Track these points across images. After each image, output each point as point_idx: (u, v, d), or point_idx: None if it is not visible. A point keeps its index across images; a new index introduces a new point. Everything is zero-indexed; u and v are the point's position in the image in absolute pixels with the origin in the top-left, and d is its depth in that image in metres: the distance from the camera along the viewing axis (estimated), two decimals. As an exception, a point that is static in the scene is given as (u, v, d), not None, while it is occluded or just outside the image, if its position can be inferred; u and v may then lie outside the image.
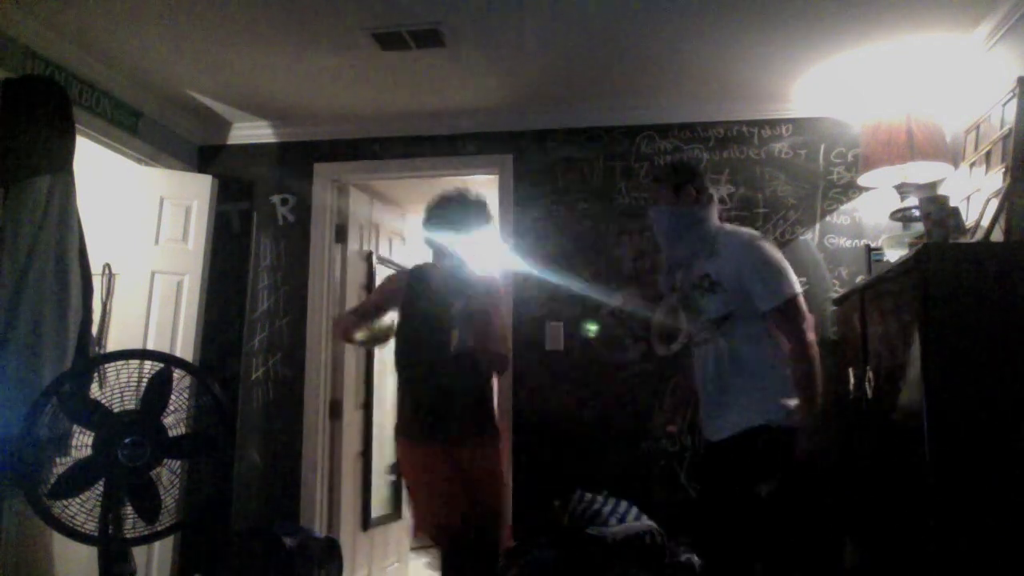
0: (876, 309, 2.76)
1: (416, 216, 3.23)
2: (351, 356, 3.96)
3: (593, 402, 3.62)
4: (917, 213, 3.13)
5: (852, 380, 2.97)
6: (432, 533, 2.65)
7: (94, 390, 2.37)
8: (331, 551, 3.45)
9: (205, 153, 4.07)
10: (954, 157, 3.17)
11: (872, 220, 3.56)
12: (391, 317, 2.74)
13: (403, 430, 2.70)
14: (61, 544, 2.62)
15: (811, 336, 2.27)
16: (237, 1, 2.80)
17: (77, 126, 2.88)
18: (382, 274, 4.17)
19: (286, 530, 3.41)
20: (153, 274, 3.59)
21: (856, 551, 2.96)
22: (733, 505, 2.27)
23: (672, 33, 3.04)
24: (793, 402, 2.25)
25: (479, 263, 2.80)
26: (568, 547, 3.05)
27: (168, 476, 2.41)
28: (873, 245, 3.41)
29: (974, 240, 2.70)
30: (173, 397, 2.35)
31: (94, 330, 2.98)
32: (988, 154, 2.88)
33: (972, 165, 3.03)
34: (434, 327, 2.61)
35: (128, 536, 2.32)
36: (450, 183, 3.58)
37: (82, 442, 2.28)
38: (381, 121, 3.92)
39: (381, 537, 4.14)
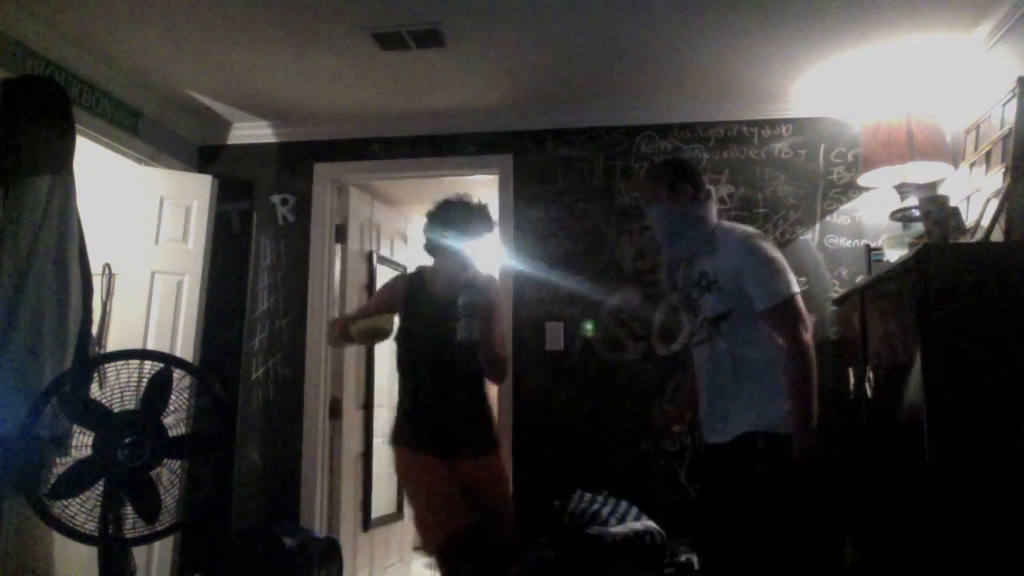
0: (876, 309, 2.76)
1: (417, 215, 3.23)
2: (351, 356, 3.96)
3: (593, 402, 3.62)
4: (917, 213, 3.13)
5: (852, 380, 2.97)
6: (442, 543, 2.52)
7: (94, 390, 2.37)
8: (331, 551, 3.45)
9: (205, 153, 4.07)
10: (954, 157, 3.17)
11: (872, 220, 3.56)
12: (391, 315, 2.72)
13: (405, 439, 2.64)
14: (61, 544, 2.61)
15: (807, 338, 2.22)
16: (237, 1, 2.80)
17: (77, 126, 2.88)
18: (383, 274, 4.17)
19: (286, 530, 3.41)
20: (153, 274, 3.59)
21: (856, 551, 2.96)
22: (731, 509, 2.26)
23: (672, 33, 3.04)
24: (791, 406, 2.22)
25: (481, 266, 2.80)
26: (568, 547, 3.05)
27: (168, 476, 2.41)
28: (873, 245, 3.41)
29: (974, 240, 2.70)
30: (173, 397, 2.35)
31: (94, 330, 2.98)
32: (988, 154, 2.88)
33: (972, 165, 3.03)
34: (437, 325, 2.60)
35: (128, 536, 2.32)
36: (450, 183, 3.59)
37: (82, 442, 2.28)
38: (381, 121, 3.92)
39: (382, 537, 4.14)
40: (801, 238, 3.61)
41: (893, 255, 3.08)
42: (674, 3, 2.81)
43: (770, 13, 2.87)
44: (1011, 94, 2.71)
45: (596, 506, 3.28)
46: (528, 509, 3.50)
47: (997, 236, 2.62)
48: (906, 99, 3.20)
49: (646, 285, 3.67)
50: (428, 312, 2.65)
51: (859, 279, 3.37)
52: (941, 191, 3.30)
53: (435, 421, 2.60)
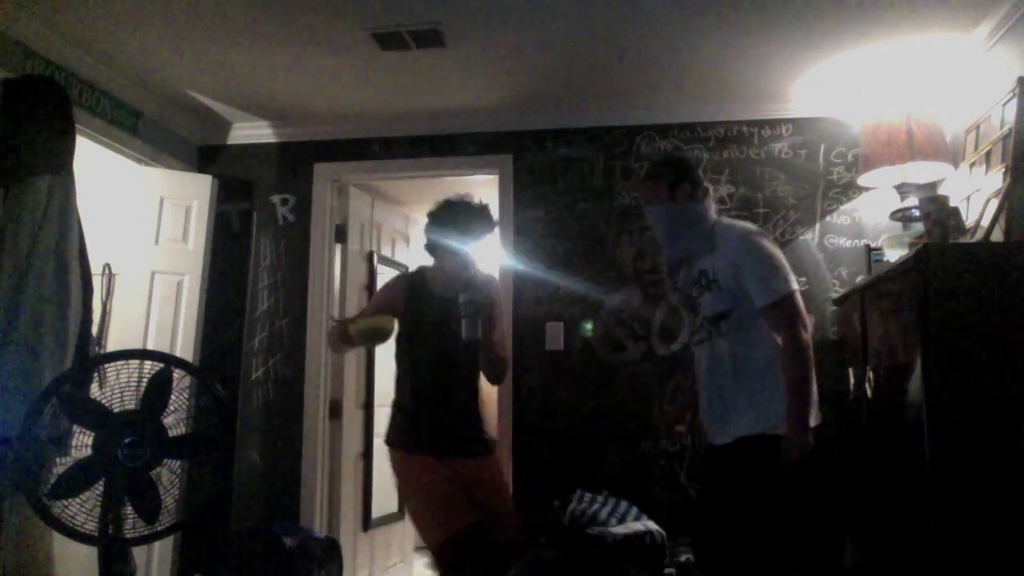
0: (876, 309, 2.76)
1: (418, 215, 3.23)
2: (351, 356, 3.96)
3: (593, 402, 3.62)
4: (917, 213, 3.13)
5: (852, 380, 2.97)
6: (442, 543, 2.50)
7: (94, 390, 2.37)
8: (331, 551, 3.44)
9: (205, 153, 4.07)
10: (954, 157, 3.17)
11: (872, 220, 3.56)
12: (391, 316, 2.71)
13: (402, 440, 2.63)
14: (61, 544, 2.61)
15: (806, 336, 2.20)
16: (237, 1, 2.80)
17: (77, 126, 2.88)
18: (383, 274, 4.17)
19: (286, 530, 3.41)
20: (153, 274, 3.59)
21: (856, 551, 2.96)
22: (731, 511, 2.25)
23: (672, 33, 3.04)
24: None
25: (481, 266, 2.79)
26: (568, 547, 3.05)
27: (168, 476, 2.41)
28: (873, 245, 3.41)
29: (974, 240, 2.70)
30: (173, 397, 2.34)
31: (94, 330, 2.98)
32: (988, 154, 2.88)
33: (972, 165, 3.03)
34: (438, 325, 2.60)
35: (128, 536, 2.32)
36: (451, 183, 3.59)
37: (82, 442, 2.28)
38: (381, 121, 3.92)
39: (383, 537, 4.14)
40: (801, 238, 3.62)
41: (893, 255, 3.08)
42: (674, 3, 2.81)
43: (770, 13, 2.87)
44: (1011, 94, 2.71)
45: (596, 506, 3.28)
46: (528, 509, 3.51)
47: (997, 236, 2.62)
48: (906, 99, 3.20)
49: (646, 285, 3.67)
50: (429, 312, 2.64)
51: (859, 279, 3.37)
52: (941, 191, 3.30)
53: (435, 421, 2.60)
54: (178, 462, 2.43)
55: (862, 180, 3.38)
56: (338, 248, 4.00)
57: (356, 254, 4.10)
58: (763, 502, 2.20)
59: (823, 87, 3.49)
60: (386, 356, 4.04)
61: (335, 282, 3.96)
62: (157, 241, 3.63)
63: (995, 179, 2.76)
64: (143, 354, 2.52)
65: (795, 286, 2.26)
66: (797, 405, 2.16)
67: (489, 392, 3.85)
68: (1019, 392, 2.18)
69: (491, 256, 3.92)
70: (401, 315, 2.67)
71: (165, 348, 3.44)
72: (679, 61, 3.28)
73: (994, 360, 2.21)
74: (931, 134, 3.10)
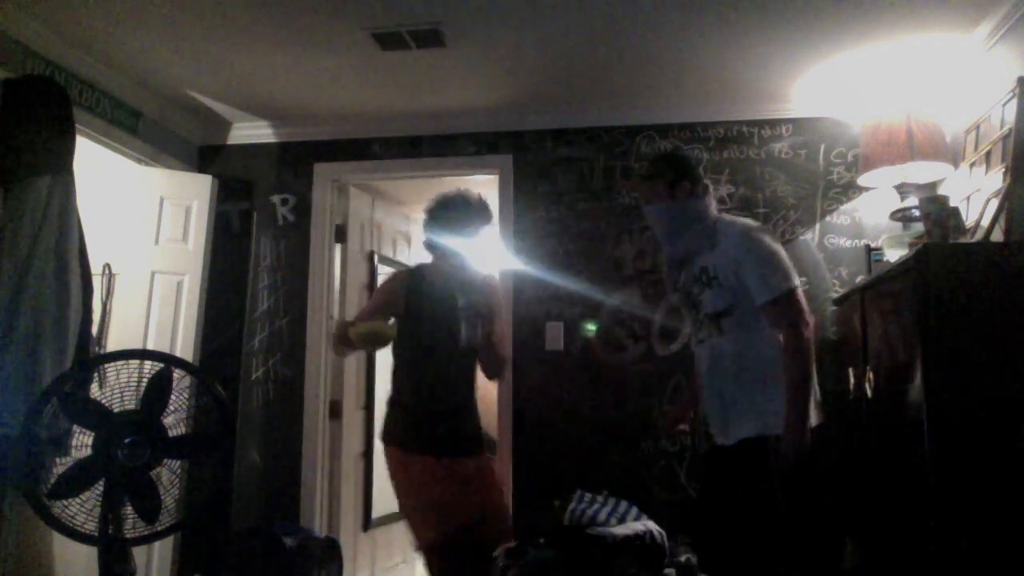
0: (876, 309, 2.76)
1: (418, 215, 3.23)
2: (351, 356, 3.96)
3: (593, 402, 3.62)
4: (917, 213, 3.13)
5: (852, 380, 2.97)
6: (437, 542, 2.53)
7: (94, 390, 2.37)
8: (331, 551, 3.44)
9: (205, 153, 4.07)
10: (954, 157, 3.17)
11: (872, 220, 3.56)
12: (391, 319, 2.71)
13: (399, 439, 2.63)
14: (61, 544, 2.62)
15: (808, 334, 2.18)
16: (237, 1, 2.80)
17: (77, 126, 2.88)
18: (384, 274, 4.17)
19: (286, 530, 3.40)
20: (153, 274, 3.59)
21: (856, 551, 2.96)
22: (732, 511, 2.24)
23: (672, 33, 3.04)
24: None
25: (480, 264, 2.79)
26: (568, 547, 3.05)
27: (168, 476, 2.41)
28: (873, 245, 3.41)
29: (974, 240, 2.70)
30: (173, 397, 2.34)
31: (94, 330, 2.98)
32: (988, 154, 2.88)
33: (972, 165, 3.03)
34: (438, 323, 2.60)
35: (128, 536, 2.32)
36: (451, 183, 3.58)
37: (82, 442, 2.28)
38: (381, 121, 3.92)
39: (383, 537, 4.13)
40: (801, 238, 3.61)
41: (893, 255, 3.08)
42: (674, 3, 2.81)
43: (770, 13, 2.87)
44: (1011, 94, 2.71)
45: (596, 506, 3.28)
46: (528, 509, 3.51)
47: (997, 236, 2.62)
48: (906, 99, 3.20)
49: (646, 285, 3.67)
50: (428, 310, 2.64)
51: (859, 279, 3.36)
52: (941, 191, 3.30)
53: (434, 419, 2.60)
54: (178, 462, 2.43)
55: (862, 180, 3.38)
56: (338, 248, 4.00)
57: (356, 254, 4.10)
58: (764, 503, 2.19)
59: (823, 87, 3.49)
60: (386, 356, 4.05)
61: (335, 282, 3.96)
62: (157, 241, 3.63)
63: (995, 179, 2.76)
64: (143, 354, 2.52)
65: (796, 283, 2.24)
66: (797, 403, 2.14)
67: (489, 391, 3.86)
68: (1019, 392, 2.18)
69: (491, 256, 3.93)
70: (400, 313, 2.67)
71: (165, 348, 3.44)
72: (679, 61, 3.28)
73: (994, 360, 2.21)
74: (931, 134, 3.10)
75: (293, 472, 3.75)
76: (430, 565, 2.58)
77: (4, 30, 2.85)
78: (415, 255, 4.39)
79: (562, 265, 3.74)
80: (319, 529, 3.66)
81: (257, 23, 2.96)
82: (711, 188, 2.46)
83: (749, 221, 2.44)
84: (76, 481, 2.25)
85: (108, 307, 3.35)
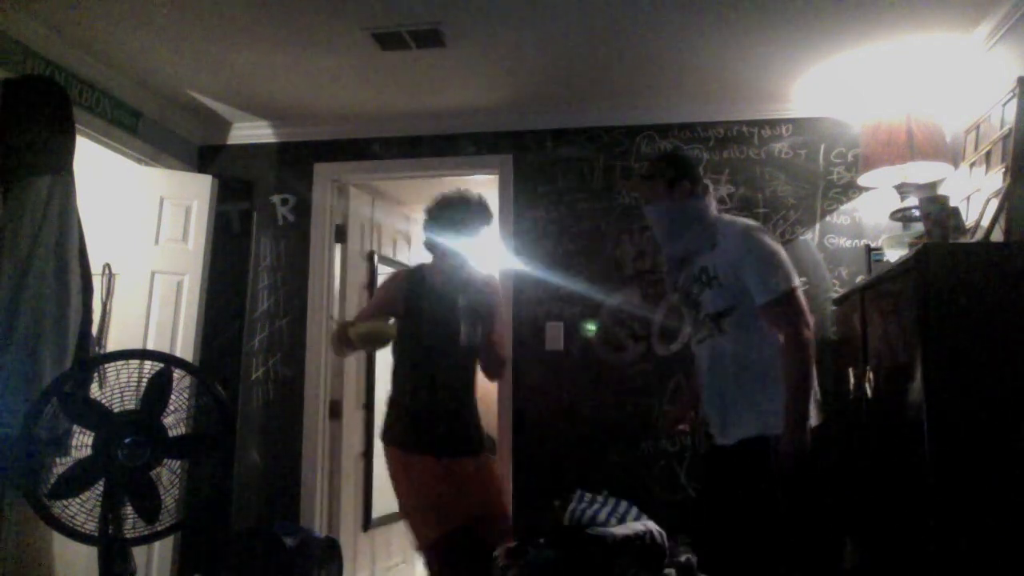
0: (876, 309, 2.76)
1: (418, 215, 3.23)
2: (351, 356, 3.96)
3: (593, 402, 3.62)
4: (917, 213, 3.13)
5: (852, 380, 2.97)
6: (436, 542, 2.52)
7: (94, 390, 2.37)
8: (331, 551, 3.45)
9: (205, 153, 4.07)
10: (954, 157, 3.17)
11: (872, 220, 3.56)
12: (391, 319, 2.71)
13: (399, 439, 2.63)
14: (61, 544, 2.62)
15: (808, 334, 2.16)
16: (237, 1, 2.80)
17: (77, 126, 2.88)
18: (384, 274, 4.17)
19: (286, 530, 3.41)
20: (153, 274, 3.59)
21: (856, 551, 2.96)
22: (733, 511, 2.24)
23: (672, 33, 3.04)
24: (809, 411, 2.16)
25: (480, 264, 2.79)
26: (568, 547, 3.05)
27: (168, 476, 2.41)
28: (873, 245, 3.41)
29: (974, 240, 2.70)
30: (173, 397, 2.34)
31: (94, 330, 2.98)
32: (988, 154, 2.88)
33: (972, 165, 3.03)
34: (440, 325, 2.59)
35: (128, 536, 2.32)
36: (451, 183, 3.58)
37: (82, 442, 2.28)
38: (381, 121, 3.92)
39: (383, 537, 4.13)
40: (801, 238, 3.62)
41: (893, 255, 3.08)
42: (674, 3, 2.81)
43: (770, 13, 2.87)
44: (1011, 94, 2.71)
45: (596, 506, 3.28)
46: (528, 509, 3.51)
47: (997, 236, 2.62)
48: (906, 99, 3.20)
49: (646, 285, 3.67)
50: (428, 309, 2.64)
51: (859, 279, 3.36)
52: (941, 191, 3.30)
53: (434, 419, 2.60)
54: (178, 462, 2.43)
55: (862, 180, 3.38)
56: (338, 248, 4.00)
57: (356, 254, 4.10)
58: (764, 503, 2.19)
59: (823, 87, 3.49)
60: (386, 356, 4.05)
61: (335, 282, 3.96)
62: (157, 241, 3.63)
63: (995, 179, 2.76)
64: (143, 354, 2.52)
65: (797, 282, 2.23)
66: (796, 403, 2.13)
67: (489, 391, 3.86)
68: (1019, 392, 2.18)
69: (491, 256, 3.92)
70: (400, 313, 2.67)
71: (165, 348, 3.44)
72: (679, 61, 3.28)
73: (994, 360, 2.21)
74: (931, 134, 3.10)
75: (293, 472, 3.75)
76: (430, 565, 2.58)
77: (4, 30, 2.85)
78: (415, 255, 4.40)
79: (562, 265, 3.74)
80: (319, 529, 3.66)
81: (257, 23, 2.96)
82: (711, 188, 2.45)
83: (749, 221, 2.44)
84: (76, 481, 2.25)
85: (108, 307, 3.36)
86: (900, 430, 2.45)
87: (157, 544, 3.31)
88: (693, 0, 2.79)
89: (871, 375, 2.75)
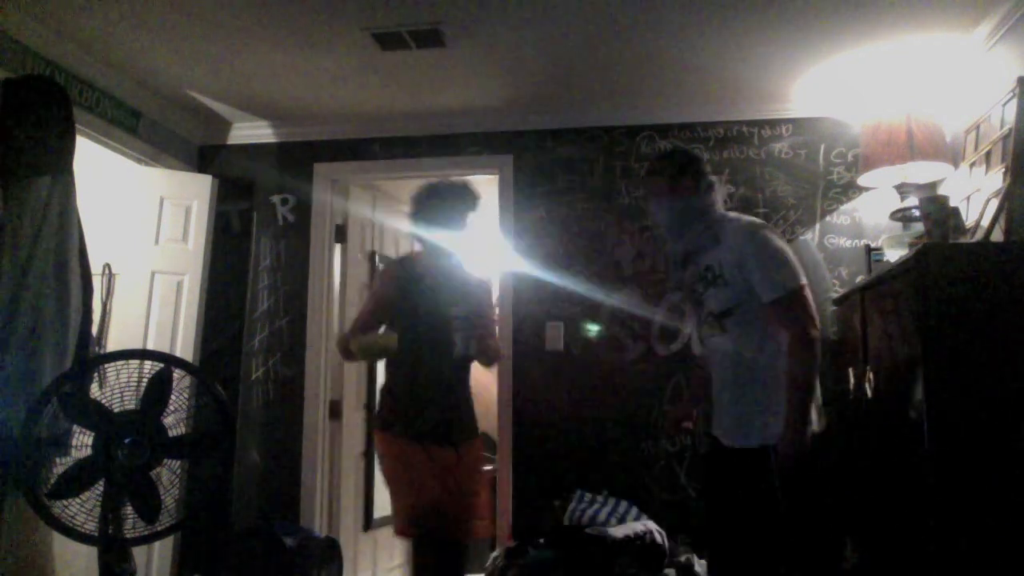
0: (876, 309, 2.76)
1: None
2: (351, 356, 3.96)
3: (593, 402, 3.62)
4: (917, 213, 3.13)
5: (852, 380, 2.97)
6: (410, 525, 2.57)
7: (94, 390, 2.37)
8: (331, 551, 3.45)
9: (205, 153, 4.07)
10: (954, 157, 3.17)
11: (872, 220, 3.56)
12: (392, 334, 2.70)
13: (390, 425, 2.65)
14: (61, 544, 2.61)
15: (814, 333, 2.13)
16: (237, 1, 2.80)
17: (77, 126, 2.87)
18: (383, 274, 4.17)
19: (286, 530, 3.41)
20: (153, 274, 3.59)
21: (856, 551, 2.96)
22: (742, 513, 2.23)
23: (672, 33, 3.04)
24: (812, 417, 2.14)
25: (473, 259, 2.79)
26: (568, 547, 3.05)
27: (168, 476, 2.41)
28: (873, 245, 3.41)
29: (974, 240, 2.70)
30: (173, 397, 2.35)
31: (94, 330, 2.98)
32: (988, 154, 2.88)
33: (972, 165, 3.03)
34: (433, 330, 2.60)
35: (128, 536, 2.32)
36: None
37: (82, 442, 2.28)
38: (381, 121, 3.92)
39: (384, 538, 4.13)
40: (801, 238, 3.62)
41: (893, 255, 3.08)
42: (674, 3, 2.81)
43: (770, 13, 2.87)
44: (1011, 94, 2.71)
45: (596, 506, 3.28)
46: (528, 509, 3.51)
47: (997, 236, 2.62)
48: (906, 99, 3.20)
49: (646, 285, 3.67)
50: (419, 301, 2.64)
51: (859, 279, 3.36)
52: (941, 191, 3.30)
53: (421, 408, 2.61)
54: (178, 462, 2.43)
55: (862, 180, 3.38)
56: (338, 248, 4.00)
57: (356, 254, 4.10)
58: (765, 505, 2.18)
59: (823, 87, 3.49)
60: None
61: (335, 282, 3.96)
62: (157, 241, 3.63)
63: (995, 179, 2.76)
64: (143, 354, 2.52)
65: (803, 280, 2.21)
66: (799, 403, 2.11)
67: (488, 391, 3.86)
68: (1019, 392, 2.18)
69: (482, 247, 3.92)
70: (394, 306, 2.68)
71: (165, 348, 3.44)
72: (679, 61, 3.28)
73: (994, 360, 2.21)
74: (931, 134, 3.10)
75: (293, 472, 3.75)
76: (410, 546, 2.62)
77: (4, 30, 2.85)
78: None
79: (562, 265, 3.74)
80: (319, 529, 3.66)
81: (257, 23, 2.96)
82: (716, 185, 2.42)
83: (755, 219, 2.43)
84: (76, 481, 2.25)
85: (108, 307, 3.36)
86: (900, 430, 2.45)
87: (157, 544, 3.31)
88: (693, 0, 2.79)
89: (871, 375, 2.75)
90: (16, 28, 2.88)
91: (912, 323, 2.35)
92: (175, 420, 2.36)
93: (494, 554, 3.26)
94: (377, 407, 2.74)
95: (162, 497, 2.32)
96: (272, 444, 3.80)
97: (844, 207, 3.61)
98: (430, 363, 2.61)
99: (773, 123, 3.71)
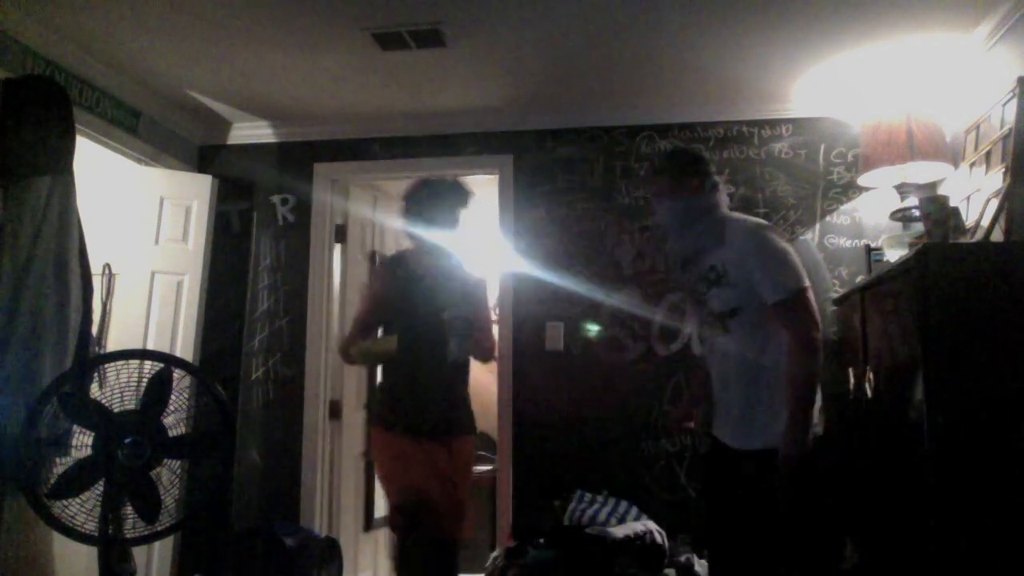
0: (876, 309, 2.76)
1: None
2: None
3: (593, 402, 3.62)
4: (917, 213, 3.13)
5: (852, 380, 2.97)
6: (397, 513, 2.59)
7: (94, 390, 2.37)
8: (331, 551, 3.45)
9: (205, 153, 4.07)
10: (954, 157, 3.17)
11: (872, 220, 3.56)
12: (391, 338, 2.70)
13: (385, 419, 2.66)
14: (61, 544, 2.61)
15: (816, 336, 2.14)
16: (238, 1, 2.80)
17: (77, 126, 2.87)
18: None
19: (286, 530, 3.41)
20: (153, 274, 3.59)
21: (856, 551, 2.96)
22: (746, 515, 2.23)
23: (672, 33, 3.04)
24: (815, 422, 2.14)
25: (464, 251, 2.79)
26: (568, 547, 3.05)
27: (168, 476, 2.41)
28: (873, 245, 3.41)
29: (974, 240, 2.70)
30: (173, 397, 2.35)
31: (94, 330, 2.98)
32: (988, 154, 2.88)
33: (972, 165, 3.03)
34: (428, 329, 2.60)
35: (128, 536, 2.32)
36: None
37: (82, 442, 2.28)
38: (381, 121, 3.92)
39: (385, 538, 4.13)
40: (801, 238, 3.61)
41: (893, 255, 3.08)
42: (674, 3, 2.81)
43: (770, 13, 2.87)
44: (1011, 94, 2.71)
45: (596, 506, 3.28)
46: (528, 509, 3.51)
47: (997, 236, 2.62)
48: (906, 99, 3.20)
49: (646, 285, 3.67)
50: (416, 301, 2.65)
51: (859, 279, 3.36)
52: (941, 191, 3.30)
53: (418, 404, 2.61)
54: (178, 462, 2.43)
55: (862, 180, 3.38)
56: (338, 248, 4.00)
57: (356, 254, 4.10)
58: (765, 507, 2.18)
59: (823, 87, 3.49)
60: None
61: (335, 282, 3.96)
62: (157, 241, 3.63)
63: (995, 179, 2.76)
64: (143, 354, 2.52)
65: (807, 282, 2.21)
66: (800, 404, 2.12)
67: (488, 391, 3.86)
68: (1019, 392, 2.18)
69: (491, 256, 3.93)
70: (390, 305, 2.68)
71: (165, 348, 3.44)
72: (679, 61, 3.28)
73: (994, 360, 2.21)
74: (931, 134, 3.10)
75: (293, 472, 3.75)
76: (396, 534, 2.64)
77: (4, 30, 2.85)
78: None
79: (562, 265, 3.74)
80: (319, 529, 3.66)
81: (257, 23, 2.96)
82: (721, 185, 2.42)
83: (757, 219, 2.42)
84: (76, 481, 2.25)
85: (108, 307, 3.36)
86: (900, 430, 2.45)
87: (157, 544, 3.31)
88: (693, 0, 2.79)
89: (871, 375, 2.75)
90: (16, 28, 2.88)
91: (912, 323, 2.35)
92: (175, 420, 2.36)
93: (494, 554, 3.26)
94: (373, 404, 2.75)
95: (162, 497, 2.32)
96: (272, 444, 3.80)
97: (844, 207, 3.61)
98: (428, 362, 2.61)
99: (773, 123, 3.71)
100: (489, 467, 4.14)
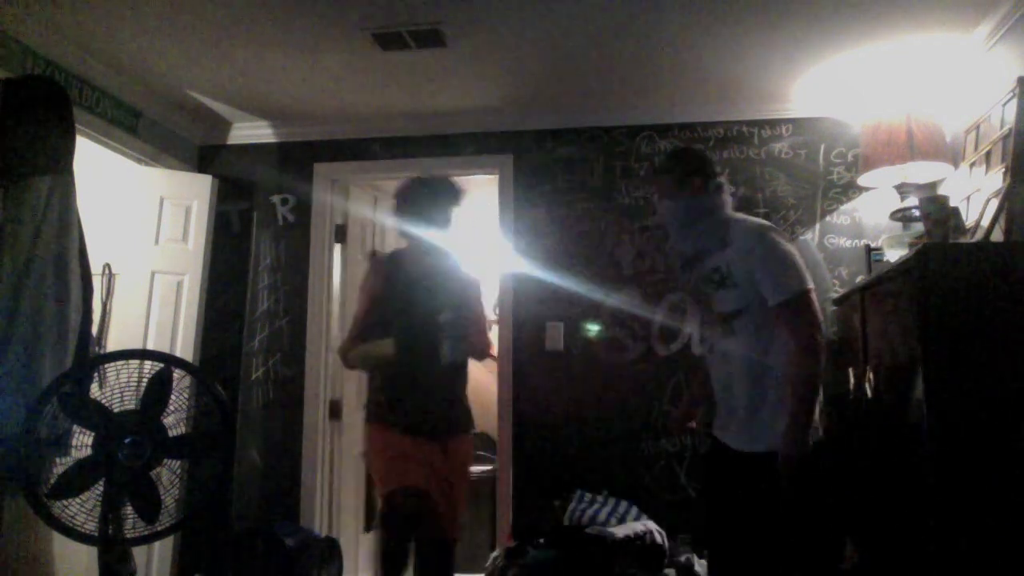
0: (876, 309, 2.76)
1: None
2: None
3: (593, 402, 3.62)
4: (917, 213, 3.13)
5: (852, 380, 2.97)
6: (387, 506, 2.58)
7: (94, 390, 2.37)
8: (331, 551, 3.45)
9: (205, 153, 4.07)
10: (954, 157, 3.17)
11: (872, 220, 3.56)
12: (390, 342, 2.70)
13: (381, 417, 2.67)
14: (61, 544, 2.62)
15: (819, 338, 2.14)
16: (238, 1, 2.80)
17: (77, 126, 2.88)
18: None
19: (286, 530, 3.41)
20: (153, 274, 3.59)
21: (856, 551, 2.96)
22: (747, 516, 2.23)
23: (672, 33, 3.04)
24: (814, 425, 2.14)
25: (458, 250, 2.79)
26: (568, 547, 3.05)
27: (168, 476, 2.41)
28: (873, 245, 3.41)
29: (974, 240, 2.70)
30: (173, 397, 2.35)
31: (94, 330, 2.98)
32: (988, 154, 2.88)
33: (972, 165, 3.03)
34: (423, 329, 2.60)
35: (128, 536, 2.32)
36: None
37: (82, 442, 2.28)
38: (381, 121, 3.92)
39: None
40: (801, 238, 3.61)
41: (893, 255, 3.08)
42: (674, 3, 2.81)
43: (770, 13, 2.87)
44: (1011, 94, 2.71)
45: (596, 506, 3.29)
46: (528, 509, 3.51)
47: (997, 236, 2.62)
48: (906, 99, 3.20)
49: (646, 285, 3.67)
50: (411, 300, 2.65)
51: (859, 279, 3.36)
52: (941, 191, 3.30)
53: (412, 402, 2.61)
54: (178, 462, 2.43)
55: (862, 180, 3.38)
56: (338, 248, 4.00)
57: (356, 254, 4.10)
58: (766, 508, 2.18)
59: (823, 87, 3.49)
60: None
61: (335, 282, 3.96)
62: (157, 241, 3.63)
63: (995, 179, 2.76)
64: (143, 354, 2.52)
65: (810, 284, 2.20)
66: (801, 405, 2.11)
67: (488, 391, 3.86)
68: (1019, 392, 2.18)
69: (491, 256, 3.93)
70: (386, 303, 2.68)
71: (165, 348, 3.44)
72: (679, 61, 3.28)
73: (994, 360, 2.21)
74: (931, 134, 3.10)
75: (293, 472, 3.75)
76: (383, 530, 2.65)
77: (4, 30, 2.85)
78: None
79: (562, 265, 3.74)
80: (319, 529, 3.66)
81: (257, 23, 2.96)
82: (725, 186, 2.41)
83: (763, 221, 2.42)
84: (76, 481, 2.25)
85: (108, 307, 3.36)
86: (900, 430, 2.45)
87: (157, 544, 3.31)
88: (693, 0, 2.79)
89: (871, 375, 2.74)
90: (16, 28, 2.88)
91: (912, 323, 2.35)
92: (175, 420, 2.36)
93: (494, 554, 3.26)
94: (371, 400, 2.74)
95: (162, 497, 2.32)
96: (272, 444, 3.80)
97: (844, 207, 3.61)
98: (424, 361, 2.61)
99: (773, 123, 3.71)
100: (489, 467, 4.14)
